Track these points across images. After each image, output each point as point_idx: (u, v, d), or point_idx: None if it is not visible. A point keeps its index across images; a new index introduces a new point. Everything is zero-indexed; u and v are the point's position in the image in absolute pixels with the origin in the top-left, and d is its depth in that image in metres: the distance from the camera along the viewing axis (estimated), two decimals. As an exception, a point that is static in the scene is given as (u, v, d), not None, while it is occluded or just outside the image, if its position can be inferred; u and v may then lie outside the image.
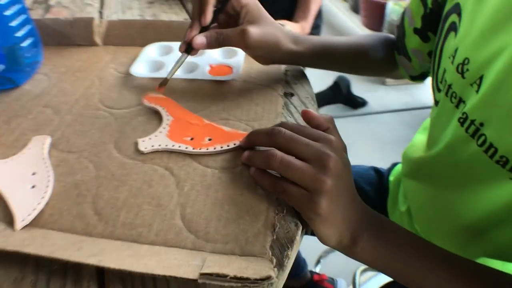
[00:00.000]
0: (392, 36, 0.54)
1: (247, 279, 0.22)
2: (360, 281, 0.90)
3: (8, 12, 0.42)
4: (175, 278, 0.24)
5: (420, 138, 0.52)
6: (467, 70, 0.35)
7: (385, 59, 0.53)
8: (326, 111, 1.75)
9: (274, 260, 0.26)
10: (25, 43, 0.44)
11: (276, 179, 0.31)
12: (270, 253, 0.27)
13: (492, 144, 0.32)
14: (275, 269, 0.25)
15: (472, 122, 0.34)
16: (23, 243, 0.27)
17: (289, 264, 0.28)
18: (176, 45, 0.52)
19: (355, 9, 2.31)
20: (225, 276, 0.22)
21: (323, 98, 1.70)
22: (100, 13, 0.67)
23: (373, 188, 0.62)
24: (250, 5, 0.40)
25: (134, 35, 0.55)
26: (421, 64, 0.49)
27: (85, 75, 0.48)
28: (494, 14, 0.32)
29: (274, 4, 1.05)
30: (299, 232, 0.30)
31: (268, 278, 0.23)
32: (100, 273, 0.27)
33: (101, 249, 0.27)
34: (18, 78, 0.46)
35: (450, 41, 0.38)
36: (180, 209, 0.31)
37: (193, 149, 0.36)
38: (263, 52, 0.42)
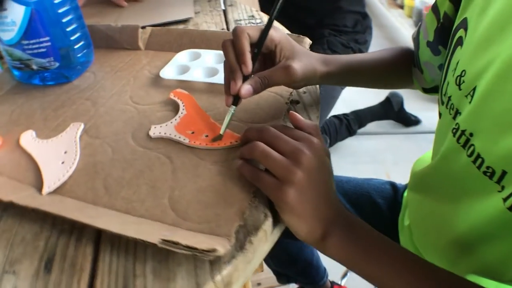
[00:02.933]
0: (412, 48, 0.54)
1: (196, 249, 0.26)
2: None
3: (65, 19, 0.51)
4: (150, 244, 0.28)
5: (429, 152, 0.51)
6: (463, 82, 0.35)
7: (404, 71, 0.53)
8: (376, 127, 1.70)
9: (233, 241, 0.30)
10: (78, 45, 0.54)
11: (255, 169, 0.35)
12: (234, 236, 0.31)
13: (479, 155, 0.32)
14: (230, 248, 0.29)
15: (463, 132, 0.34)
16: (43, 204, 0.34)
17: (253, 250, 0.31)
18: (204, 52, 0.58)
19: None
20: (177, 244, 0.27)
21: (374, 114, 1.66)
22: (152, 21, 0.77)
23: (386, 202, 0.61)
24: (283, 41, 0.41)
25: (171, 41, 0.62)
26: (432, 77, 0.49)
27: (124, 74, 0.57)
28: (489, 26, 0.33)
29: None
30: (267, 222, 0.33)
31: (214, 250, 0.26)
32: (98, 235, 0.33)
33: (98, 214, 0.33)
34: (71, 75, 0.55)
35: (456, 55, 0.39)
36: (169, 191, 0.36)
37: (189, 141, 0.41)
38: (304, 82, 0.44)
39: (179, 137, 0.41)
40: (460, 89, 0.35)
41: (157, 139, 0.42)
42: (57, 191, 0.37)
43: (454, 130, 0.35)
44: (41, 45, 0.52)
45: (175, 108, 0.47)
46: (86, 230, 0.33)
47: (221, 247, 0.27)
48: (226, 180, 0.36)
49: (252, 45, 0.40)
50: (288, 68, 0.40)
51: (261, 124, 0.44)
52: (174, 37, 0.62)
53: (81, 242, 0.32)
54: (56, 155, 0.41)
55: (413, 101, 1.77)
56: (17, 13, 0.48)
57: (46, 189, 0.37)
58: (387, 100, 1.66)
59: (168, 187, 0.36)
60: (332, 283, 0.95)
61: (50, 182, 0.37)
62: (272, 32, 0.41)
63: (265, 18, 0.75)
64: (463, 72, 0.35)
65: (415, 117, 1.69)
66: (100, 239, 0.33)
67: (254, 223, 0.33)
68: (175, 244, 0.27)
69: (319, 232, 0.33)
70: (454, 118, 0.37)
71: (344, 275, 1.09)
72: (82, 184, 0.38)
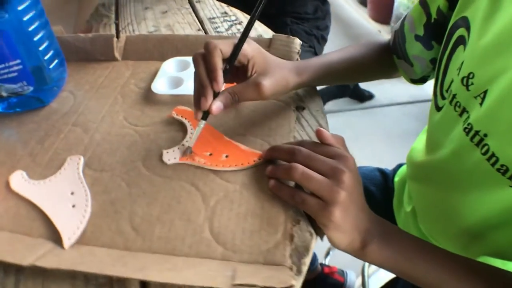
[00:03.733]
0: (383, 41, 0.55)
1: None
2: (369, 272, 0.94)
3: (37, 37, 0.45)
4: (211, 288, 0.27)
5: (420, 139, 0.54)
6: (472, 83, 0.37)
7: (382, 65, 0.55)
8: (332, 105, 1.77)
9: (294, 268, 0.30)
10: (52, 64, 0.48)
11: (295, 191, 0.35)
12: (290, 261, 0.31)
13: (494, 154, 0.34)
14: (296, 276, 0.29)
15: (477, 132, 0.36)
16: (75, 261, 0.30)
17: (306, 269, 0.32)
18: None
19: (362, 1, 2.30)
20: (254, 285, 0.26)
21: (330, 93, 1.72)
22: (116, 24, 0.70)
23: (378, 189, 0.65)
24: (256, 56, 0.41)
25: (151, 49, 0.58)
26: (422, 70, 0.51)
27: (108, 91, 0.52)
28: (500, 35, 0.34)
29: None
30: (313, 240, 0.33)
31: (291, 286, 0.26)
32: (143, 284, 0.31)
33: (143, 263, 0.30)
34: (46, 97, 0.49)
35: (459, 54, 0.40)
36: (208, 223, 0.34)
37: (210, 165, 0.39)
38: (276, 96, 0.43)
39: (198, 161, 0.39)
40: (468, 90, 0.38)
41: (174, 165, 0.40)
42: (79, 241, 0.33)
43: (467, 130, 0.37)
44: (11, 69, 0.45)
45: (181, 127, 0.44)
46: (128, 282, 0.31)
47: (293, 279, 0.27)
48: (262, 203, 0.36)
49: (224, 60, 0.39)
50: (259, 85, 0.40)
51: (275, 138, 0.43)
52: (154, 44, 0.58)
53: (127, 295, 0.30)
54: (62, 198, 0.37)
55: (365, 78, 1.86)
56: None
57: (66, 241, 0.33)
58: (343, 79, 1.72)
59: (205, 219, 0.35)
60: (322, 265, 0.99)
61: (69, 232, 0.34)
62: (245, 47, 0.40)
63: (239, 14, 0.72)
64: (471, 74, 0.37)
65: (369, 92, 1.78)
66: (146, 286, 0.31)
67: (303, 244, 0.33)
68: (253, 286, 0.26)
69: (359, 242, 0.34)
70: (461, 115, 0.39)
71: (327, 254, 1.14)
72: (105, 229, 0.34)
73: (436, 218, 0.47)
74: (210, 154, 0.40)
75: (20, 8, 0.43)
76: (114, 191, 0.38)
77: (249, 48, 0.40)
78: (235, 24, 0.68)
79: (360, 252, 0.35)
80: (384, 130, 1.66)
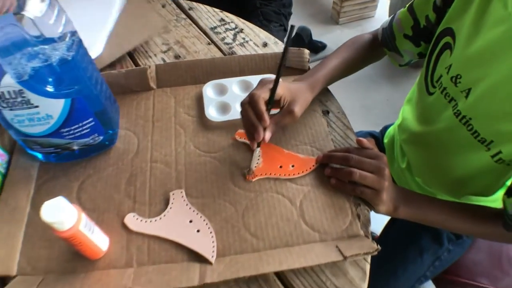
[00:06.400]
0: (368, 36, 0.70)
1: (369, 252, 0.43)
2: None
3: (98, 86, 0.50)
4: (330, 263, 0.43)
5: (408, 110, 0.72)
6: (459, 82, 0.53)
7: (372, 56, 0.70)
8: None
9: (370, 237, 0.47)
10: (113, 109, 0.54)
11: (354, 186, 0.51)
12: (362, 232, 0.48)
13: (476, 131, 0.52)
14: (373, 241, 0.46)
15: (464, 116, 0.53)
16: (229, 270, 0.43)
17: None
18: (227, 81, 0.64)
19: None
20: (358, 254, 0.43)
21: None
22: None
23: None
24: (285, 92, 0.53)
25: (184, 75, 0.66)
26: (410, 58, 0.66)
27: (164, 124, 0.60)
28: (480, 52, 0.49)
29: None
30: (369, 214, 0.51)
31: (377, 249, 0.44)
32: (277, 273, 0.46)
33: (278, 258, 0.45)
34: (113, 141, 0.56)
35: (446, 56, 0.55)
36: (302, 219, 0.49)
37: (285, 176, 0.53)
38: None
39: (275, 174, 0.53)
40: (456, 86, 0.54)
41: (257, 181, 0.53)
42: (218, 254, 0.46)
43: (456, 114, 0.54)
44: (85, 127, 0.51)
45: (247, 148, 0.56)
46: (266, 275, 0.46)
47: (373, 244, 0.44)
48: (330, 197, 0.52)
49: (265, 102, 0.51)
50: (291, 112, 0.53)
51: (320, 142, 0.58)
52: (185, 70, 0.65)
53: (270, 285, 0.45)
54: (185, 227, 0.48)
55: (314, 28, 1.98)
56: (53, 107, 0.46)
57: (211, 258, 0.45)
58: (297, 35, 1.82)
59: (298, 216, 0.50)
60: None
61: (209, 251, 0.46)
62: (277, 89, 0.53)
63: (235, 19, 0.80)
64: (459, 76, 0.53)
65: (321, 42, 1.92)
66: (280, 275, 0.46)
67: (365, 218, 0.50)
68: (357, 255, 0.43)
69: (392, 208, 0.53)
70: (449, 102, 0.55)
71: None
72: (231, 240, 0.48)
73: (429, 172, 0.67)
74: (281, 167, 0.54)
75: (88, 74, 0.49)
76: (222, 212, 0.50)
77: (279, 88, 0.52)
78: (238, 33, 0.76)
79: (393, 213, 0.53)
80: (340, 77, 1.84)
